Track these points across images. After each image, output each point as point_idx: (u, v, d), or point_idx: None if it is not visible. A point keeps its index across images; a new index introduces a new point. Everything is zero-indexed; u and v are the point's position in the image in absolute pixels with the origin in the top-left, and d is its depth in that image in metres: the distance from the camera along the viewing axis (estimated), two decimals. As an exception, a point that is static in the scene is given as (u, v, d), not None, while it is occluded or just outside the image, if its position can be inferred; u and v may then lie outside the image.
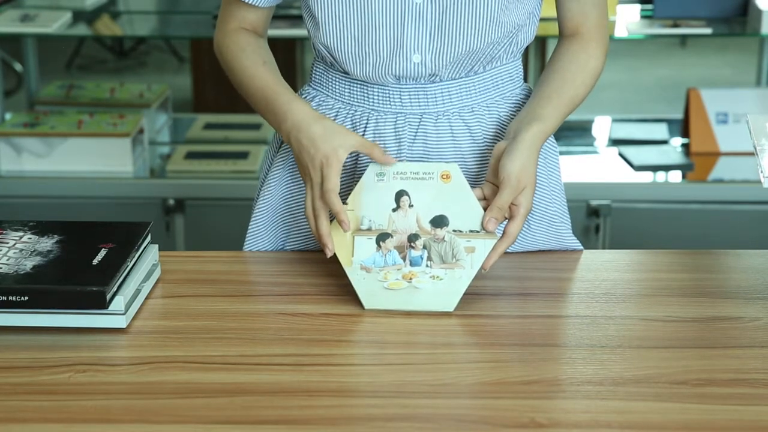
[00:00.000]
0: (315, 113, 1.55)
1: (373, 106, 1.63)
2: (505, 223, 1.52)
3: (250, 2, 1.63)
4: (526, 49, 1.69)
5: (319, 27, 1.59)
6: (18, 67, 5.49)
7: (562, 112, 1.59)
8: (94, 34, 4.36)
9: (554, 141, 1.72)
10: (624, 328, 1.44)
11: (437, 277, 1.49)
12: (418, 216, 1.50)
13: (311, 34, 1.63)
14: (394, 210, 1.51)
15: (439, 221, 1.50)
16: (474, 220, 1.50)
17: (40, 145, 3.07)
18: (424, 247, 1.49)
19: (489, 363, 1.35)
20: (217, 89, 4.60)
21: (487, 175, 1.54)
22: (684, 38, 6.53)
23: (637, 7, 3.32)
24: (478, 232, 1.49)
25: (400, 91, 1.62)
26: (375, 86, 1.62)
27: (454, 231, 1.50)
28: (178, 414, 1.24)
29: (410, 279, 1.49)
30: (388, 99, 1.62)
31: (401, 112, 1.63)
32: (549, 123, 1.56)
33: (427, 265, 1.49)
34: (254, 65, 1.63)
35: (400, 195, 1.51)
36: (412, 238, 1.50)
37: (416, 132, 1.63)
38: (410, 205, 1.50)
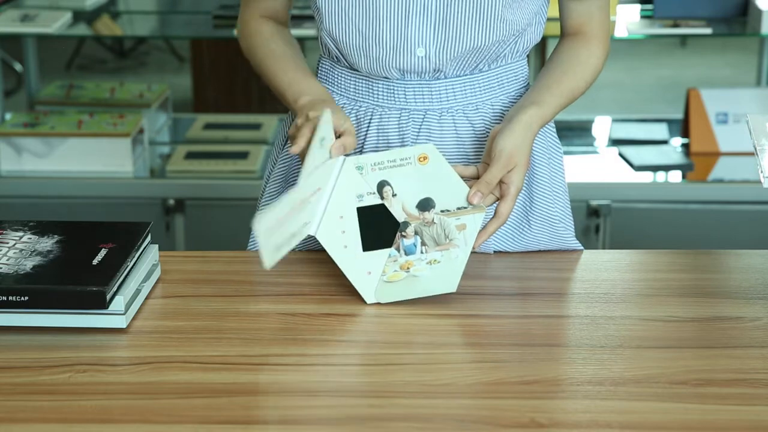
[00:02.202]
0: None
1: (377, 101, 1.64)
2: (506, 224, 1.52)
3: None
4: (527, 49, 1.69)
5: (325, 19, 1.60)
6: (18, 67, 5.49)
7: (560, 102, 1.60)
8: (94, 34, 4.36)
9: (559, 143, 1.72)
10: (624, 328, 1.44)
11: (434, 261, 1.49)
12: (403, 203, 1.50)
13: (318, 27, 1.64)
14: None
15: (425, 204, 1.50)
16: (459, 197, 1.50)
17: (40, 145, 3.07)
18: (416, 233, 1.50)
19: (489, 363, 1.35)
20: (217, 89, 4.60)
21: (483, 156, 1.54)
22: (684, 38, 6.53)
23: (637, 7, 3.32)
24: (465, 208, 1.49)
25: (404, 87, 1.62)
26: (380, 81, 1.63)
27: (442, 211, 1.50)
28: (178, 414, 1.24)
29: (408, 268, 1.49)
30: (392, 94, 1.63)
31: (405, 108, 1.63)
32: (546, 108, 1.57)
33: (422, 251, 1.50)
34: (263, 57, 1.66)
35: (381, 186, 1.50)
36: (402, 226, 1.50)
37: (420, 128, 1.63)
38: (394, 195, 1.50)
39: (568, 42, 1.65)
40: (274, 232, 1.42)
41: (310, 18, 3.11)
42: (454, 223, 1.50)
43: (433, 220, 1.50)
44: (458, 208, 1.50)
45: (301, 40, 3.42)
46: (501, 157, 1.51)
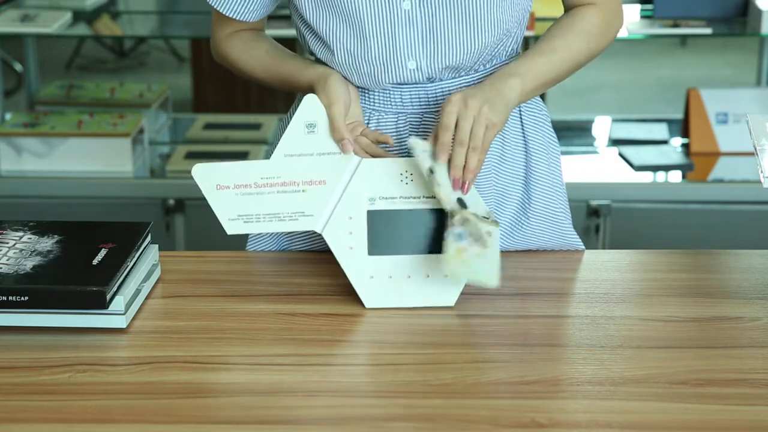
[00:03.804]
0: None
1: (373, 106, 1.63)
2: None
3: (240, 19, 1.63)
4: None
5: (314, 42, 1.59)
6: (18, 67, 5.49)
7: (534, 59, 1.56)
8: (94, 34, 4.36)
9: (555, 138, 1.72)
10: (624, 328, 1.44)
11: (478, 255, 1.45)
12: (447, 194, 1.48)
13: (309, 46, 1.62)
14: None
15: (462, 202, 1.48)
16: (481, 207, 1.48)
17: (40, 145, 3.06)
18: (462, 224, 1.46)
19: (489, 363, 1.35)
20: (217, 89, 4.60)
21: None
22: (684, 38, 6.52)
23: (637, 7, 3.32)
24: (486, 219, 1.46)
25: (400, 93, 1.61)
26: (375, 90, 1.62)
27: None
28: (178, 414, 1.24)
29: (462, 253, 1.45)
30: (389, 100, 1.62)
31: (402, 112, 1.63)
32: (514, 65, 1.54)
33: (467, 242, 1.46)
34: (258, 60, 1.65)
35: (432, 170, 1.47)
36: (451, 214, 1.45)
37: (417, 131, 1.62)
38: (439, 184, 1.48)
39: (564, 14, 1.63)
40: (229, 192, 1.49)
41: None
42: (485, 228, 1.47)
43: (468, 218, 1.47)
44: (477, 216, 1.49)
45: (294, 40, 3.44)
46: (447, 101, 1.48)
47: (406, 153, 1.62)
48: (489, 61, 1.61)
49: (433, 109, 1.62)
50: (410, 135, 1.62)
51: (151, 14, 3.82)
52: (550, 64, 1.57)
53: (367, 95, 1.63)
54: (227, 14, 1.63)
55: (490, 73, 1.60)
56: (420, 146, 1.48)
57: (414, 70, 1.58)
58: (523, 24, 1.63)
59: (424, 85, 1.61)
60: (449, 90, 1.61)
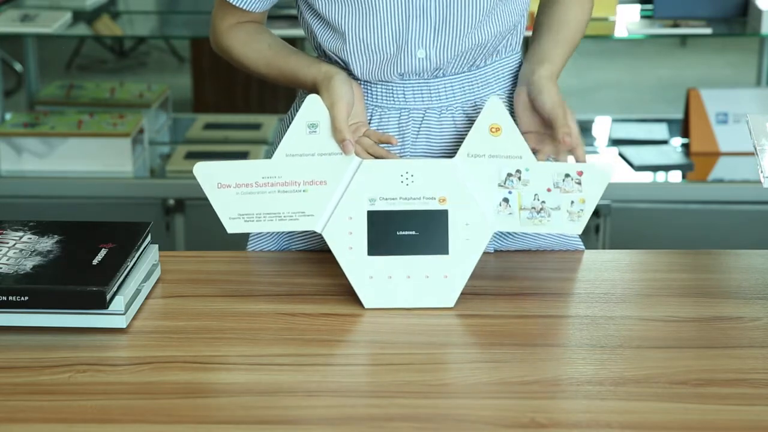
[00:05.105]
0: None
1: (376, 102, 1.63)
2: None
3: (245, 8, 1.63)
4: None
5: (325, 32, 1.59)
6: (18, 67, 5.49)
7: (566, 52, 1.63)
8: (94, 34, 4.36)
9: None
10: (624, 328, 1.44)
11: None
12: None
13: (317, 38, 1.62)
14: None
15: None
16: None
17: (40, 145, 3.07)
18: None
19: (489, 363, 1.35)
20: (217, 89, 4.60)
21: (524, 126, 1.56)
22: (684, 38, 6.53)
23: (637, 7, 3.32)
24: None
25: (403, 88, 1.62)
26: (379, 84, 1.62)
27: None
28: (178, 414, 1.24)
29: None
30: (391, 95, 1.63)
31: (405, 108, 1.63)
32: (557, 64, 1.60)
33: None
34: (260, 54, 1.65)
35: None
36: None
37: (420, 127, 1.63)
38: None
39: None
40: (230, 191, 1.50)
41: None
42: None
43: None
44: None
45: (300, 40, 3.43)
46: (564, 107, 1.52)
47: (410, 151, 1.63)
48: (491, 55, 1.62)
49: (436, 105, 1.62)
50: (412, 132, 1.62)
51: (151, 14, 3.82)
52: (569, 54, 1.63)
53: (370, 90, 1.63)
54: (234, 3, 1.62)
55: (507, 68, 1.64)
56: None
57: (423, 59, 1.58)
58: (525, 18, 1.64)
59: (427, 81, 1.61)
60: (452, 86, 1.61)
